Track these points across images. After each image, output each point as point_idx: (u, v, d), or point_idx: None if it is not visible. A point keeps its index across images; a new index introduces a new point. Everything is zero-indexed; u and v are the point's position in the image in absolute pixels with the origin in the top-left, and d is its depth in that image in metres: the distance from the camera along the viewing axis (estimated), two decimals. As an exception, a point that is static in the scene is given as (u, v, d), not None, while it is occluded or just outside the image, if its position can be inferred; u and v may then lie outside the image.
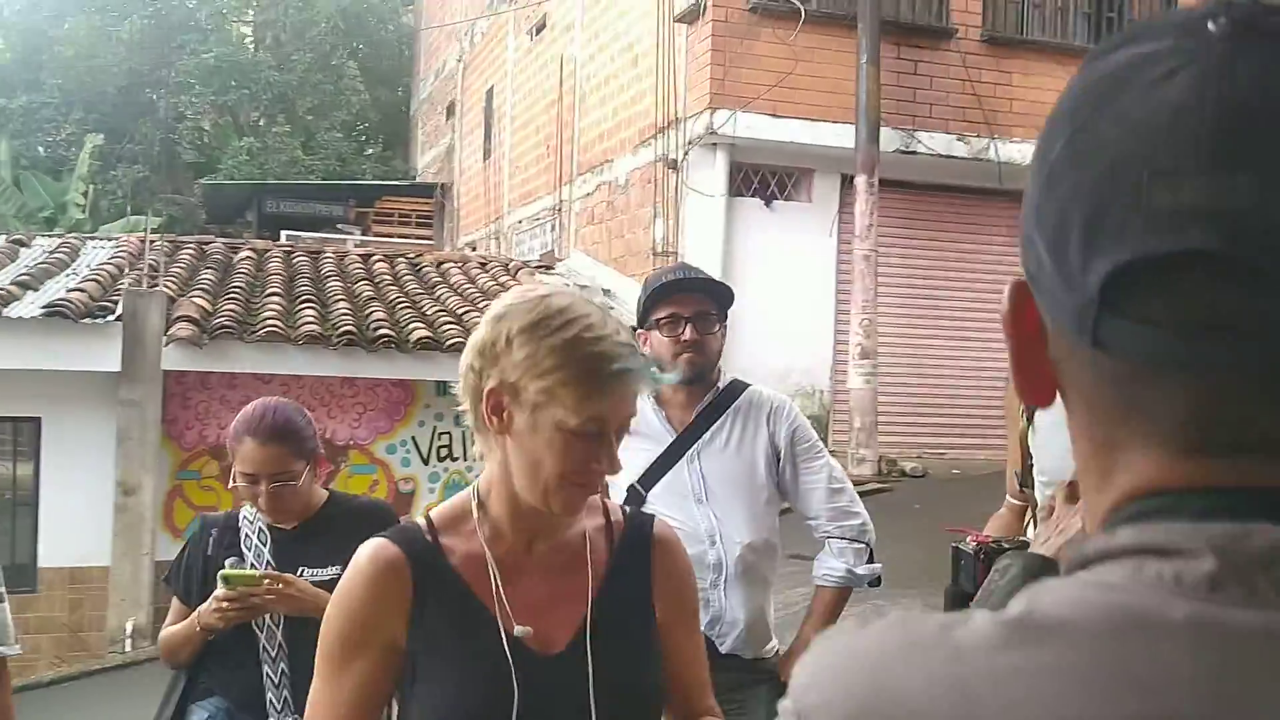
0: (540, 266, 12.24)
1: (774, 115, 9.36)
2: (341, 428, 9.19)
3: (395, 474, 9.40)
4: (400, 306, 9.72)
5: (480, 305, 10.15)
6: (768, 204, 9.89)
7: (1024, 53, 10.05)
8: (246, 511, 2.63)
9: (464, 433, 9.58)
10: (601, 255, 11.67)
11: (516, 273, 11.81)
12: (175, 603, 2.60)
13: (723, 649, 2.51)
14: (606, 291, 11.03)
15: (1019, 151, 9.93)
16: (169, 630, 2.56)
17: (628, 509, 1.58)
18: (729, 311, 2.64)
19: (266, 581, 2.38)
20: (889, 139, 9.32)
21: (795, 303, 9.81)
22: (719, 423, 2.61)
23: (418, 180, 20.98)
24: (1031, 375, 0.59)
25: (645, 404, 2.65)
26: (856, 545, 2.59)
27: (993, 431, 10.33)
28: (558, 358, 1.31)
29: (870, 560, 2.60)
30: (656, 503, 2.57)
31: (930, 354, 10.18)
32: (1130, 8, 10.41)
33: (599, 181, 11.88)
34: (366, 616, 1.39)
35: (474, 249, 16.25)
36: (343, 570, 2.48)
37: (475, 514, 1.44)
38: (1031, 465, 2.15)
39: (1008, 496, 2.33)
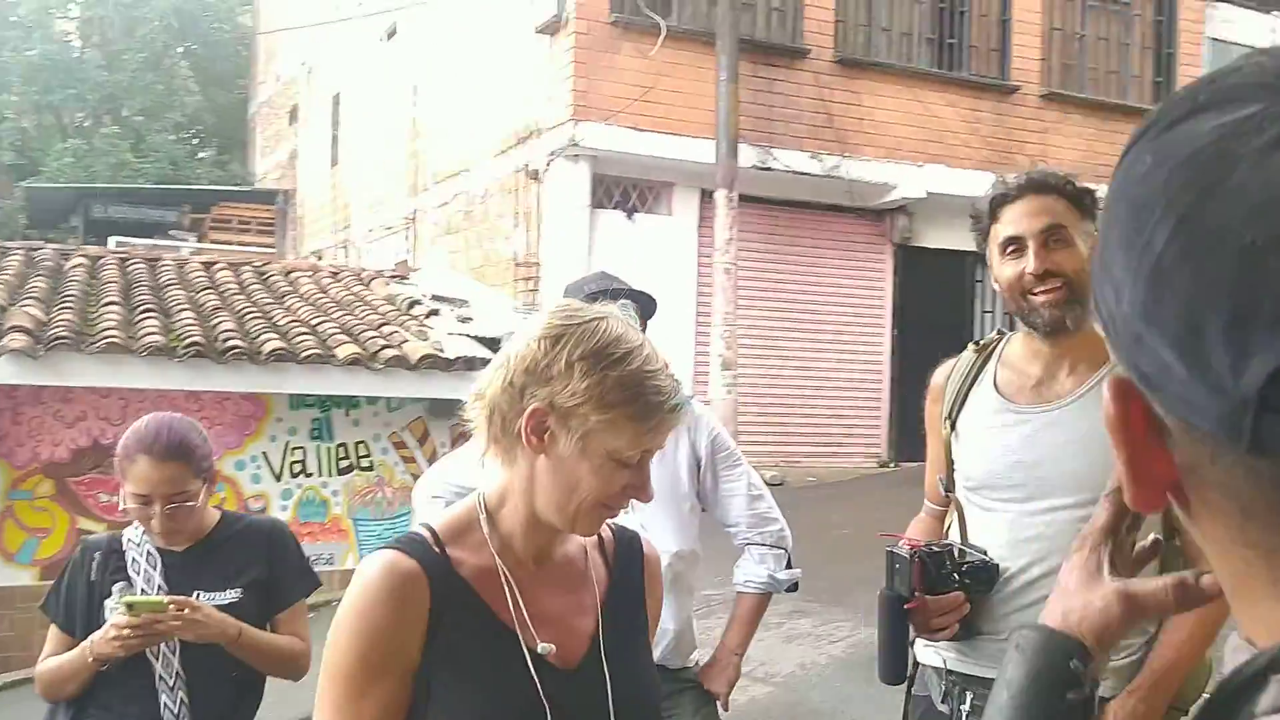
0: (394, 276, 11.96)
1: (636, 129, 9.43)
2: (187, 443, 8.75)
3: (244, 491, 9.00)
4: (249, 317, 9.33)
5: (335, 315, 9.85)
6: (629, 216, 9.95)
7: (872, 74, 10.43)
8: (131, 533, 2.46)
9: (319, 448, 9.28)
10: (459, 265, 11.51)
11: (370, 282, 11.51)
12: (54, 633, 2.41)
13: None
14: (464, 302, 10.88)
15: (868, 170, 10.31)
16: (51, 663, 2.37)
17: (614, 525, 1.55)
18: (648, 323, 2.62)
19: (172, 607, 2.23)
20: (746, 155, 9.51)
21: (657, 315, 9.86)
22: (640, 433, 2.59)
23: (257, 186, 20.25)
24: (1146, 480, 0.55)
25: (565, 413, 2.62)
26: (776, 551, 2.61)
27: (847, 439, 10.65)
28: (625, 391, 1.31)
29: (789, 565, 2.62)
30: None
31: (786, 364, 10.42)
32: (970, 36, 10.92)
33: (456, 190, 11.71)
34: (389, 635, 1.31)
35: (320, 257, 15.78)
36: (243, 594, 2.38)
37: (484, 526, 1.40)
38: (950, 470, 2.21)
39: (926, 502, 2.38)
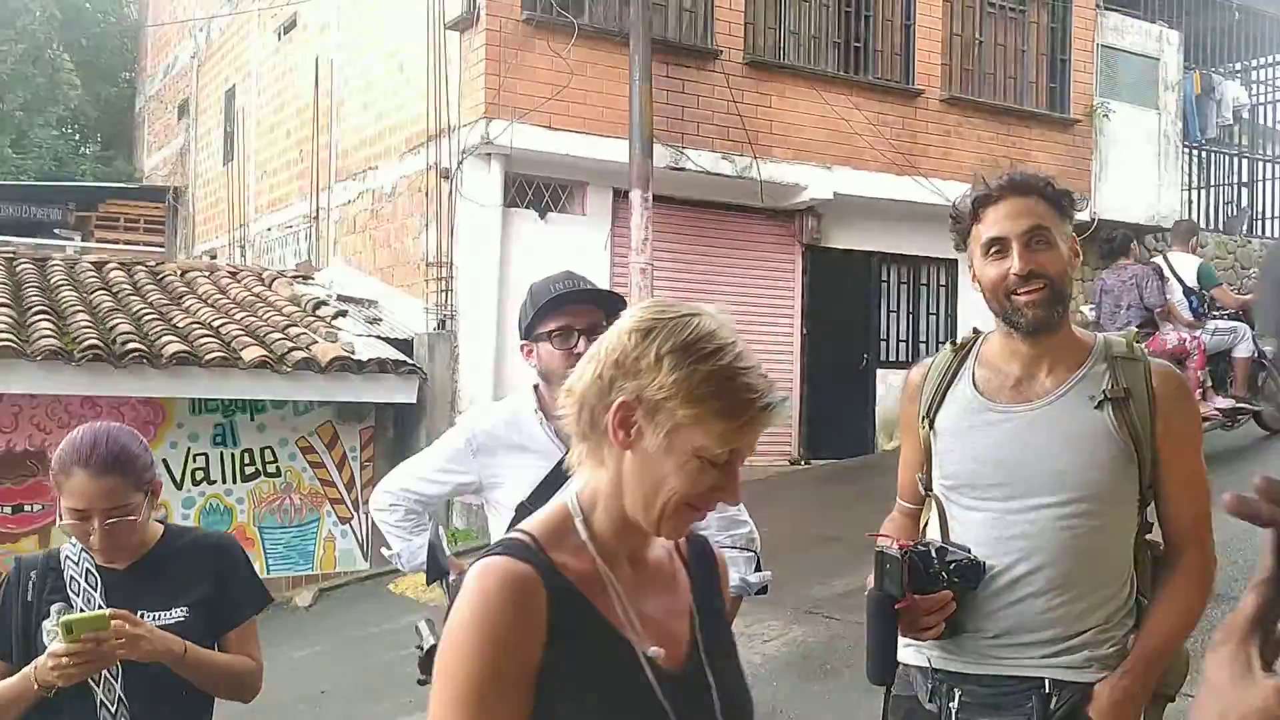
0: (297, 276, 11.68)
1: (549, 127, 9.34)
2: (83, 451, 8.37)
3: (145, 500, 8.66)
4: (147, 318, 8.99)
5: (236, 316, 9.56)
6: (542, 216, 9.85)
7: (782, 77, 10.52)
8: (69, 550, 2.32)
9: (222, 454, 8.98)
10: (365, 265, 11.26)
11: (272, 283, 11.20)
12: None
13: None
14: (373, 303, 10.66)
15: (778, 171, 10.40)
16: None
17: None
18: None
19: (115, 623, 2.10)
20: (660, 155, 9.50)
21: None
22: (608, 435, 2.54)
23: (145, 183, 19.52)
24: None
25: (531, 418, 2.55)
26: (746, 554, 2.59)
27: (763, 438, 10.72)
28: (713, 386, 1.29)
29: (758, 568, 2.60)
30: (548, 520, 2.47)
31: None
32: (875, 40, 11.11)
33: (361, 189, 11.46)
34: (515, 642, 1.27)
35: (213, 257, 15.29)
36: (189, 613, 2.26)
37: (581, 529, 1.37)
38: (930, 469, 2.21)
39: (900, 501, 2.39)
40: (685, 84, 9.97)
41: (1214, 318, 8.32)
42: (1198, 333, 7.98)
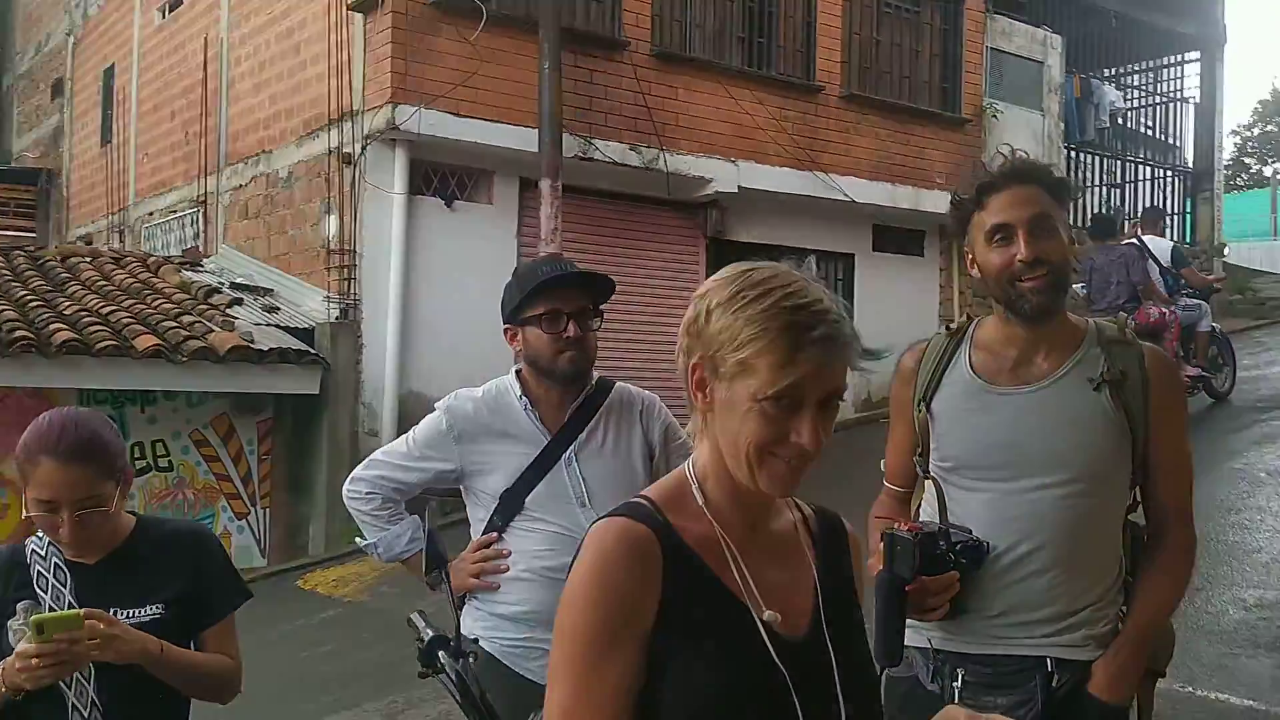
0: (185, 262, 11.24)
1: (456, 114, 9.19)
2: (-39, 445, 7.89)
3: (29, 496, 8.22)
4: (31, 306, 8.53)
5: (125, 304, 9.16)
6: (449, 204, 9.69)
7: (688, 69, 10.56)
8: (35, 543, 2.17)
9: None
10: (259, 252, 10.89)
11: (159, 269, 10.77)
12: None
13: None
14: (268, 291, 10.33)
15: (685, 163, 10.45)
16: None
17: (809, 504, 1.52)
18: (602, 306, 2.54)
19: (89, 623, 1.98)
20: (568, 145, 9.42)
21: (478, 305, 9.66)
22: (593, 422, 2.51)
23: (15, 165, 18.51)
24: None
25: (515, 404, 2.50)
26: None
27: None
28: (755, 327, 1.28)
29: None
30: (536, 508, 2.42)
31: (608, 356, 10.41)
32: (778, 36, 11.25)
33: (254, 173, 11.08)
34: (629, 599, 1.29)
35: (89, 242, 14.59)
36: (165, 610, 2.14)
37: (698, 495, 1.38)
38: (928, 452, 2.24)
39: (888, 484, 2.41)
40: (593, 74, 9.93)
41: (1184, 295, 9.15)
42: (1173, 308, 8.73)
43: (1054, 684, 2.07)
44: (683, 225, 11.08)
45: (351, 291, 9.41)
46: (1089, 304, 8.72)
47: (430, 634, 2.24)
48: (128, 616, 2.10)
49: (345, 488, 2.60)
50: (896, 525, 2.13)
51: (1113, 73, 16.24)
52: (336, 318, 9.38)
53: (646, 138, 10.16)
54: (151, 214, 13.64)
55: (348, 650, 5.63)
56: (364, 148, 9.32)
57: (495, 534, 2.45)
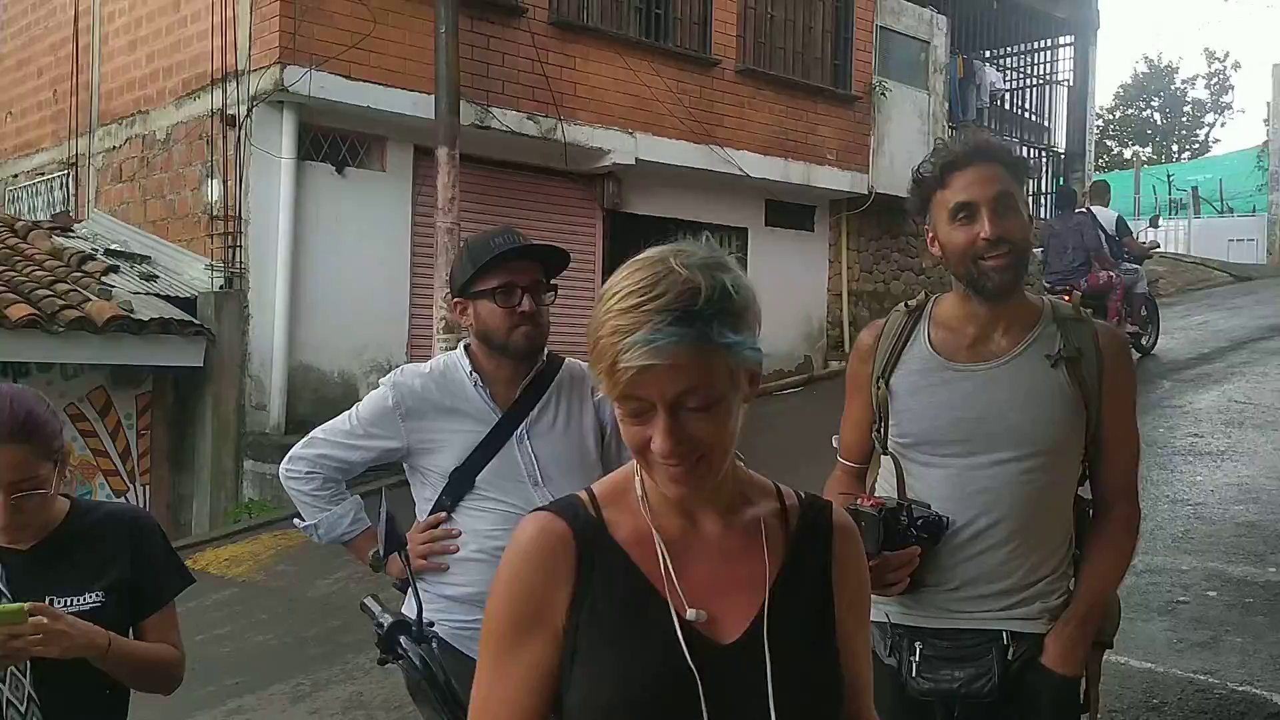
0: (55, 227, 10.65)
1: (348, 77, 8.90)
2: None
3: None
4: (-114, 271, 7.98)
5: (-11, 271, 8.63)
6: (339, 171, 9.39)
7: (586, 39, 10.44)
8: None
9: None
10: (134, 217, 10.39)
11: (27, 234, 10.17)
12: None
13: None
14: (144, 258, 9.87)
15: (583, 134, 10.35)
16: None
17: (802, 494, 1.43)
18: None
19: (33, 617, 1.85)
20: (465, 112, 9.23)
21: (371, 275, 9.45)
22: (545, 399, 2.44)
23: None
24: None
25: (465, 380, 2.43)
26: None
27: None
28: (591, 336, 1.24)
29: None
30: (487, 487, 2.36)
31: (506, 328, 10.29)
32: (676, 7, 11.21)
33: (129, 135, 10.55)
34: (536, 592, 1.29)
35: (-58, 205, 13.71)
36: (105, 597, 2.02)
37: (638, 488, 1.34)
38: (887, 429, 2.25)
39: (842, 460, 2.42)
40: (490, 40, 9.73)
41: (1127, 260, 10.28)
42: (1118, 272, 9.81)
43: (1009, 656, 2.12)
44: (580, 197, 11.00)
45: (236, 260, 9.06)
46: (1045, 267, 9.83)
47: (389, 619, 2.16)
48: (67, 605, 1.98)
49: (283, 467, 2.47)
50: (859, 500, 2.14)
51: (992, 54, 16.70)
52: (220, 287, 9.02)
53: (544, 107, 10.02)
54: (16, 176, 12.87)
55: (247, 632, 5.45)
56: (249, 110, 8.96)
57: (444, 514, 2.38)
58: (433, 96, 9.00)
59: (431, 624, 2.14)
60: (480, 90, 9.56)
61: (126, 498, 8.82)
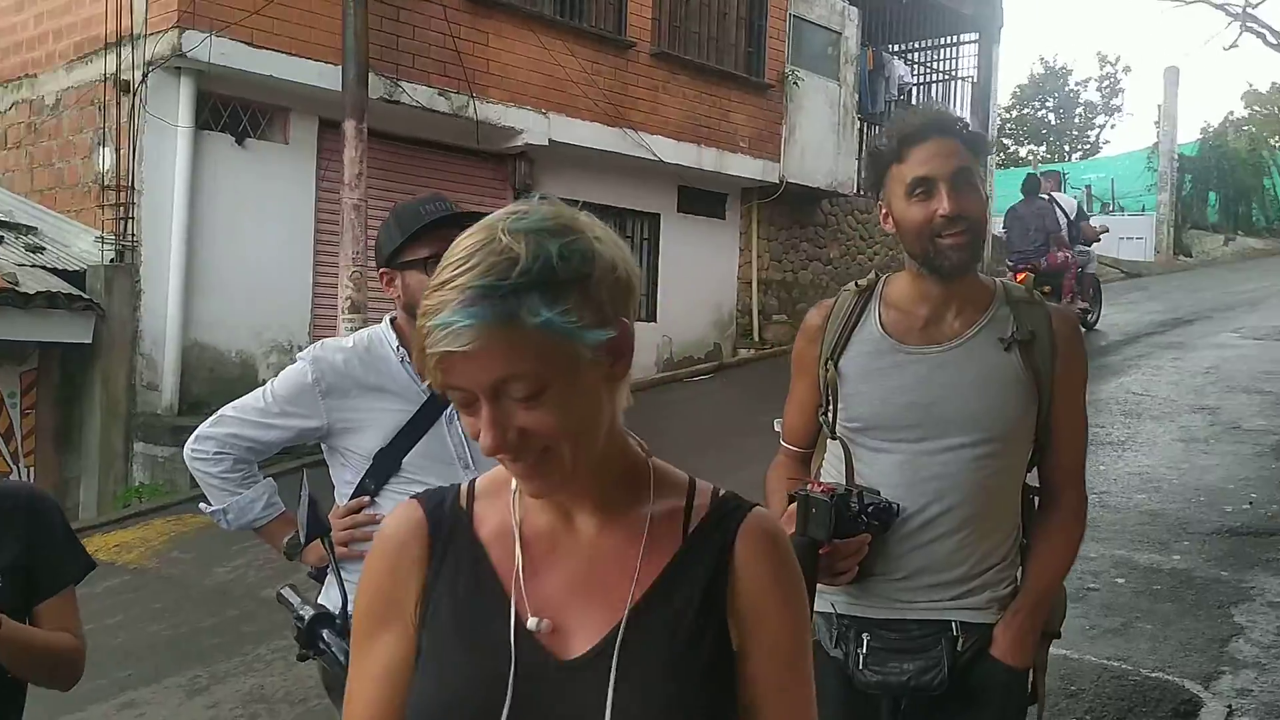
0: (-71, 195, 10.03)
1: (250, 44, 8.54)
2: None
3: None
4: None
5: None
6: (240, 142, 9.03)
7: (499, 14, 10.22)
8: None
9: None
10: (20, 186, 9.84)
11: (-102, 200, 9.56)
12: None
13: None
14: (30, 229, 9.35)
15: (495, 113, 10.14)
16: None
17: (723, 491, 1.24)
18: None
19: None
20: (373, 85, 8.95)
21: (272, 251, 9.11)
22: (471, 374, 2.30)
23: None
24: None
25: (391, 356, 2.28)
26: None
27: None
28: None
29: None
30: (414, 469, 2.21)
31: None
32: (591, -13, 11.05)
33: (15, 99, 9.98)
34: (386, 585, 1.21)
35: None
36: (0, 581, 1.83)
37: (513, 482, 1.21)
38: (836, 412, 2.17)
39: (785, 444, 2.34)
40: (400, 11, 9.45)
41: (1080, 243, 11.32)
42: (1074, 253, 10.92)
43: (959, 648, 2.06)
44: (491, 176, 10.78)
45: (129, 232, 8.64)
46: (1009, 246, 10.99)
47: (310, 611, 2.01)
48: None
49: (189, 447, 2.29)
50: (810, 486, 2.05)
51: (900, 49, 16.91)
52: (111, 260, 8.60)
53: (456, 83, 9.78)
54: (-116, 138, 12.10)
55: (140, 621, 5.18)
56: (145, 75, 8.54)
57: (366, 498, 2.22)
58: (339, 67, 8.71)
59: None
60: (390, 63, 9.29)
61: (9, 479, 8.36)
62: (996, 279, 2.22)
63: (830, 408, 2.18)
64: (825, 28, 13.69)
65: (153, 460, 8.42)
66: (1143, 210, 23.27)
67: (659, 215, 12.33)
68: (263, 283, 9.03)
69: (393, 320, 2.31)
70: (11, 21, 10.11)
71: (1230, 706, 3.77)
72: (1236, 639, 4.27)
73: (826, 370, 2.17)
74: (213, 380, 8.86)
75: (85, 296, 8.27)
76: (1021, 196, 11.22)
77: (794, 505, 2.02)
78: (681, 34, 12.00)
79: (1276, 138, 27.99)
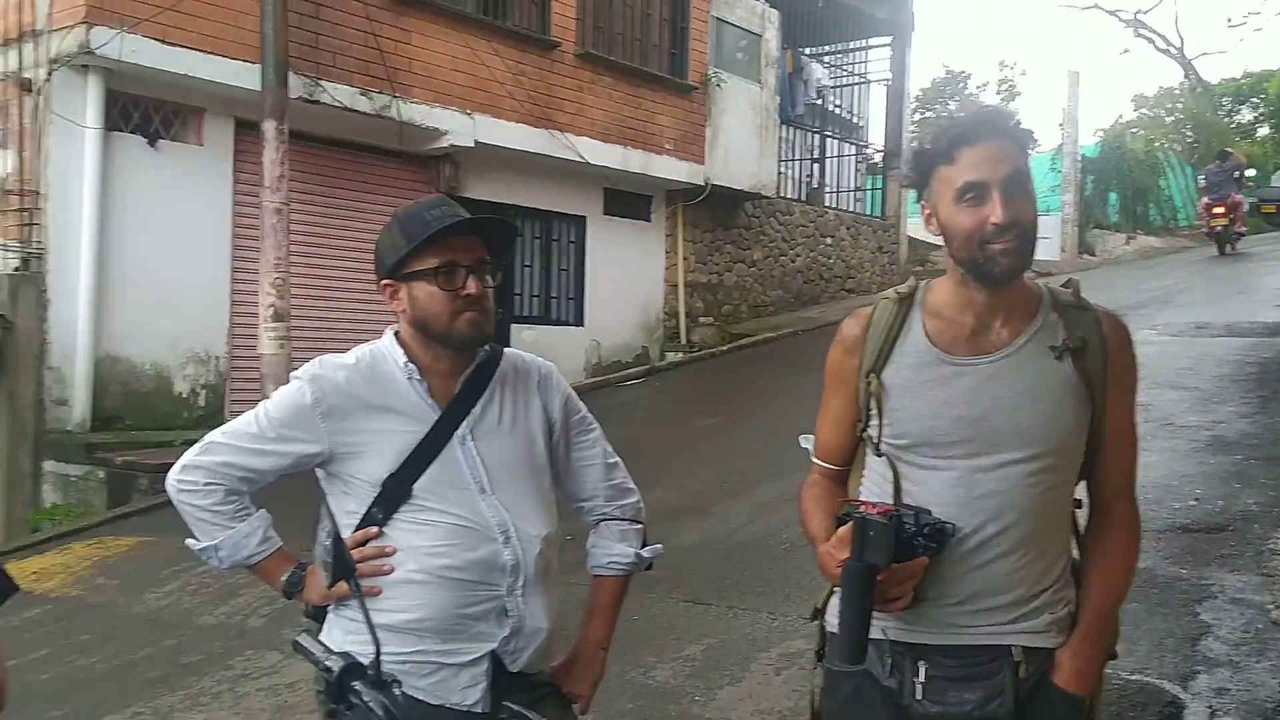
0: None
1: (163, 41, 8.15)
2: None
3: None
4: None
5: None
6: (152, 143, 8.62)
7: (421, 12, 9.96)
8: None
9: None
10: (-91, 190, 9.25)
11: None
12: None
13: (515, 666, 2.05)
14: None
15: (419, 113, 9.87)
16: None
17: None
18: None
19: None
20: (293, 85, 8.62)
21: (186, 258, 8.72)
22: (488, 394, 2.12)
23: None
24: None
25: (397, 373, 2.09)
26: (636, 526, 2.29)
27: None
28: None
29: (645, 541, 2.31)
30: (426, 496, 2.03)
31: (343, 316, 9.72)
32: (513, -17, 10.85)
33: (-98, 97, 9.38)
34: None
35: None
36: None
37: None
38: (880, 427, 2.05)
39: (819, 461, 2.21)
40: (320, 8, 9.14)
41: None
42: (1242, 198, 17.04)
43: (1020, 674, 1.96)
44: (415, 178, 10.50)
45: (33, 239, 8.18)
46: (1204, 192, 17.29)
47: (338, 662, 1.81)
48: None
49: (174, 478, 2.06)
50: (864, 508, 1.93)
51: (816, 51, 17.02)
52: (16, 268, 8.13)
53: (378, 83, 9.49)
54: None
55: (68, 654, 4.83)
56: (49, 74, 8.09)
57: (374, 529, 2.03)
58: (257, 66, 8.39)
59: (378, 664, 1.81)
60: (309, 61, 8.97)
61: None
62: (1041, 283, 2.12)
63: (874, 423, 2.05)
64: (746, 30, 13.69)
65: (64, 480, 7.98)
66: (1048, 211, 23.87)
67: (585, 218, 12.18)
68: (178, 291, 8.64)
69: (397, 334, 2.12)
70: (-102, 16, 9.50)
71: (1211, 707, 3.77)
72: (1206, 638, 4.29)
73: (868, 383, 2.05)
74: (127, 394, 8.44)
75: (-12, 308, 7.79)
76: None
77: (846, 528, 1.90)
78: (606, 35, 11.87)
79: (1162, 140, 28.97)
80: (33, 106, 8.18)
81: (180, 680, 4.49)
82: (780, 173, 15.12)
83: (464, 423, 2.07)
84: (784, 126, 15.30)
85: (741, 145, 13.44)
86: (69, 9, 7.94)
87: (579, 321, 11.97)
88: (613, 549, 2.25)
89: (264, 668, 4.56)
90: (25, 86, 8.22)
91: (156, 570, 5.84)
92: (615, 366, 11.93)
